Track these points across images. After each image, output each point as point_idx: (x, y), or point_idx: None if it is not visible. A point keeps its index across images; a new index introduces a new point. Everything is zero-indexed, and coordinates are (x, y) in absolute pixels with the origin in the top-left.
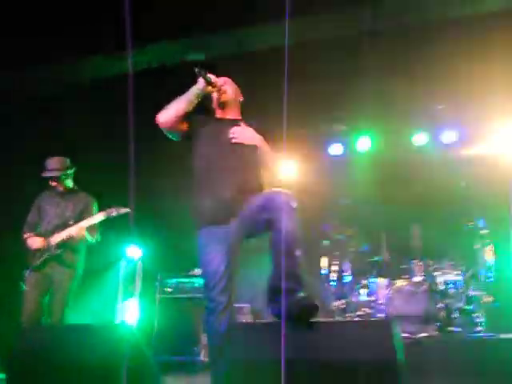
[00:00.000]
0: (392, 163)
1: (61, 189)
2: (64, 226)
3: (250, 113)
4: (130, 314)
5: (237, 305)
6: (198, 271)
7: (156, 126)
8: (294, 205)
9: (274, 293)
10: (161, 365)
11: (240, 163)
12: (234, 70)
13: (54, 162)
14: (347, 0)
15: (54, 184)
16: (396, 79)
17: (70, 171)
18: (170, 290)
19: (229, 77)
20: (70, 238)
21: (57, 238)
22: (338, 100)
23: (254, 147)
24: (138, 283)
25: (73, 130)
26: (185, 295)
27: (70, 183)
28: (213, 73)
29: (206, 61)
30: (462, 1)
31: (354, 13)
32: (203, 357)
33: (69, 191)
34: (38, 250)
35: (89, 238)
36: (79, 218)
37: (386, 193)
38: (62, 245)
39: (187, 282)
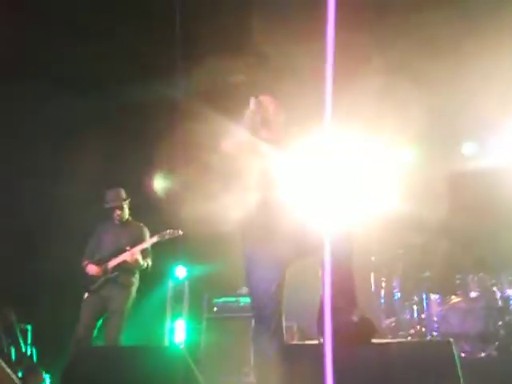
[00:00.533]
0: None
1: (119, 218)
2: (119, 251)
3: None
4: (178, 334)
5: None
6: (244, 290)
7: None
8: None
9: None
10: None
11: None
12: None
13: (114, 193)
14: None
15: (118, 213)
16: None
17: (127, 202)
18: (216, 309)
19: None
20: (125, 263)
21: (113, 263)
22: None
23: None
24: (186, 303)
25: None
26: (231, 314)
27: (127, 213)
28: None
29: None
30: None
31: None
32: (253, 378)
33: (126, 221)
34: (96, 275)
35: (141, 261)
36: (133, 244)
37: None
38: (118, 268)
39: (234, 302)
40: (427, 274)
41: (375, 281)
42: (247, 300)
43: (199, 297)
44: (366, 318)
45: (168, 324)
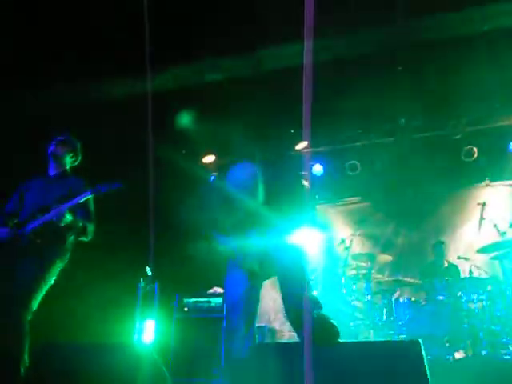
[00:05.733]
0: None
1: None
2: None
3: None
4: (147, 333)
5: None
6: (216, 290)
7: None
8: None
9: (296, 322)
10: None
11: None
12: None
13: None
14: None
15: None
16: None
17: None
18: (186, 309)
19: None
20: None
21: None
22: None
23: None
24: (155, 303)
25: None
26: (202, 315)
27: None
28: None
29: None
30: None
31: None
32: (223, 379)
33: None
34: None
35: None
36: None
37: None
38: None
39: (205, 302)
40: (397, 277)
41: (346, 284)
42: (218, 300)
43: (170, 297)
44: (329, 321)
45: (137, 324)
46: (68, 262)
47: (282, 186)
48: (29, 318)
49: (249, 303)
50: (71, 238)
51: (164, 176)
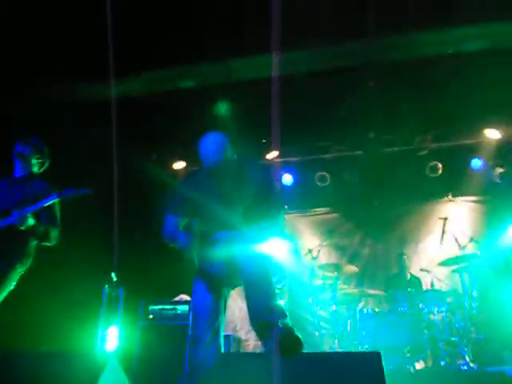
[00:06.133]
0: None
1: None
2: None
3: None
4: (110, 341)
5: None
6: (182, 297)
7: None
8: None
9: (262, 331)
10: None
11: None
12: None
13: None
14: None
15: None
16: None
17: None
18: (152, 316)
19: None
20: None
21: None
22: None
23: None
24: (120, 309)
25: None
26: (168, 322)
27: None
28: None
29: None
30: None
31: None
32: None
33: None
34: None
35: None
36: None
37: None
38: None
39: (170, 309)
40: (362, 288)
41: (312, 294)
42: (184, 308)
43: (135, 303)
44: (293, 332)
45: (100, 330)
46: (29, 266)
47: (262, 189)
48: None
49: (215, 313)
50: (33, 243)
51: (131, 181)
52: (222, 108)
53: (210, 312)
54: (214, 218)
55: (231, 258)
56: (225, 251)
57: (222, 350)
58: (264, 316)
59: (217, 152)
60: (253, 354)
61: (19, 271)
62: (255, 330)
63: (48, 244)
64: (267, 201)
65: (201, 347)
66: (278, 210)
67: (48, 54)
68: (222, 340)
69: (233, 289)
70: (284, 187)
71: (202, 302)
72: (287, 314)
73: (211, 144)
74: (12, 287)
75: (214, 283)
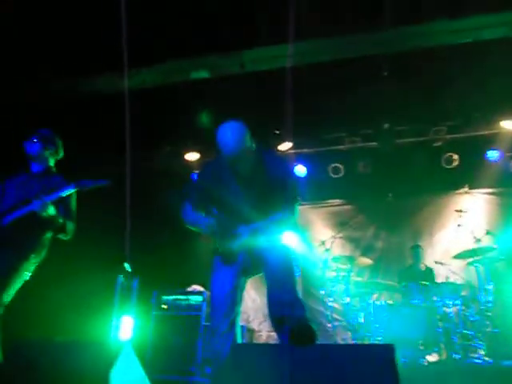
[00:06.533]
0: None
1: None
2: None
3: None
4: (124, 330)
5: None
6: (195, 288)
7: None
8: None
9: (279, 323)
10: None
11: None
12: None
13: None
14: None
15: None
16: None
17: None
18: (165, 306)
19: None
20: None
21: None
22: None
23: None
24: (134, 299)
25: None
26: (181, 312)
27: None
28: None
29: None
30: None
31: None
32: (200, 377)
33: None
34: None
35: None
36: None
37: None
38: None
39: (183, 300)
40: (375, 280)
41: (325, 285)
42: (198, 298)
43: (149, 293)
44: (306, 323)
45: (114, 320)
46: (44, 257)
47: (280, 179)
48: (1, 312)
49: (233, 303)
50: (49, 235)
51: (144, 171)
52: (205, 119)
53: (228, 302)
54: (235, 209)
55: (252, 249)
56: (246, 242)
57: (239, 341)
58: (284, 310)
59: (236, 140)
60: (266, 345)
61: (33, 262)
62: (273, 322)
63: (64, 237)
64: (284, 191)
65: (217, 337)
66: (295, 202)
67: (62, 46)
68: (238, 330)
69: (250, 278)
70: (299, 179)
71: (220, 292)
72: (306, 308)
73: (231, 132)
74: (27, 278)
75: (233, 273)
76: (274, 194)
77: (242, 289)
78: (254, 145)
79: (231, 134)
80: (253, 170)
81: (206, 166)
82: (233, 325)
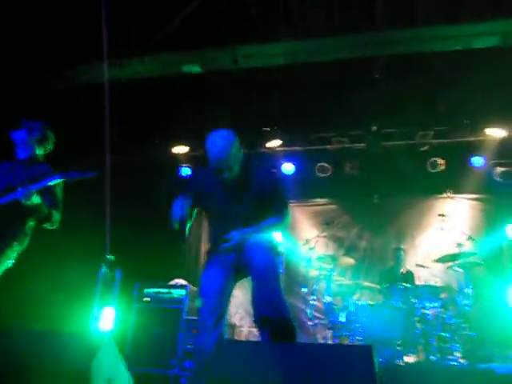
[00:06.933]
0: None
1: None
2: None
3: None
4: (105, 321)
5: None
6: (177, 281)
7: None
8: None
9: (262, 322)
10: (135, 376)
11: None
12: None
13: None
14: None
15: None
16: None
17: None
18: (147, 299)
19: None
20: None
21: None
22: None
23: None
24: (116, 291)
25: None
26: (163, 305)
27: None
28: None
29: None
30: None
31: None
32: (179, 370)
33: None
34: None
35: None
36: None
37: None
38: None
39: (165, 293)
40: (357, 281)
41: (307, 284)
42: (180, 292)
43: (131, 285)
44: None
45: (95, 311)
46: (26, 246)
47: (268, 186)
48: None
49: (221, 300)
50: (31, 223)
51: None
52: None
53: (216, 298)
54: (223, 214)
55: (243, 250)
56: (235, 245)
57: (224, 335)
58: (267, 310)
59: (223, 147)
60: (249, 343)
61: (16, 249)
62: (256, 321)
63: (49, 227)
64: (275, 197)
65: (203, 332)
66: (286, 207)
67: (49, 37)
68: (224, 328)
69: (240, 280)
70: (285, 176)
71: (210, 288)
72: (288, 307)
73: (218, 139)
74: (9, 265)
75: (223, 273)
76: (263, 200)
77: (231, 288)
78: (241, 153)
79: (219, 142)
80: (239, 178)
81: (198, 171)
82: (219, 321)
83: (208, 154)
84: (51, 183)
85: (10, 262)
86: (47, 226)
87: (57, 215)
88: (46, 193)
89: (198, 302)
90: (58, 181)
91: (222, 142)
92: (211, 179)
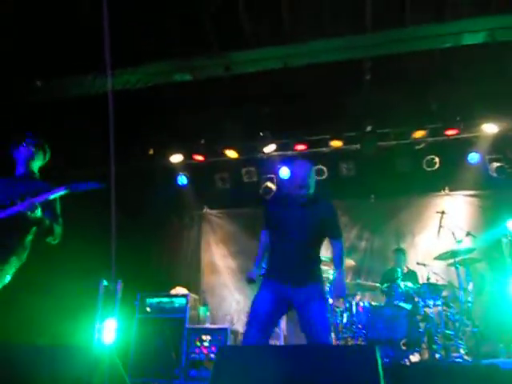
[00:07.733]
0: None
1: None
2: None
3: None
4: (108, 333)
5: (216, 326)
6: (178, 290)
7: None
8: None
9: None
10: None
11: None
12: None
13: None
14: None
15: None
16: None
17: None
18: (149, 309)
19: None
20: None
21: None
22: None
23: None
24: (117, 302)
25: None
26: (165, 315)
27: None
28: None
29: None
30: None
31: None
32: (184, 380)
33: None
34: None
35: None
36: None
37: None
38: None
39: (167, 302)
40: (358, 281)
41: None
42: (181, 301)
43: (132, 296)
44: None
45: (97, 323)
46: (26, 259)
47: (330, 215)
48: None
49: (268, 323)
50: (30, 237)
51: (129, 175)
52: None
53: (263, 320)
54: (289, 240)
55: (300, 297)
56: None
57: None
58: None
59: (305, 180)
60: (253, 347)
61: (14, 265)
62: None
63: (52, 241)
64: (335, 230)
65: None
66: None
67: (44, 49)
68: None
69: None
70: (282, 180)
71: (259, 308)
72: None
73: (302, 171)
74: (7, 281)
75: (275, 298)
76: (322, 231)
77: (279, 317)
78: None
79: (302, 174)
80: (309, 205)
81: (276, 197)
82: (260, 342)
83: (290, 181)
84: (56, 196)
85: (8, 278)
86: (50, 240)
87: (58, 229)
88: (47, 207)
89: (201, 310)
90: (63, 193)
91: (305, 172)
92: (287, 206)
